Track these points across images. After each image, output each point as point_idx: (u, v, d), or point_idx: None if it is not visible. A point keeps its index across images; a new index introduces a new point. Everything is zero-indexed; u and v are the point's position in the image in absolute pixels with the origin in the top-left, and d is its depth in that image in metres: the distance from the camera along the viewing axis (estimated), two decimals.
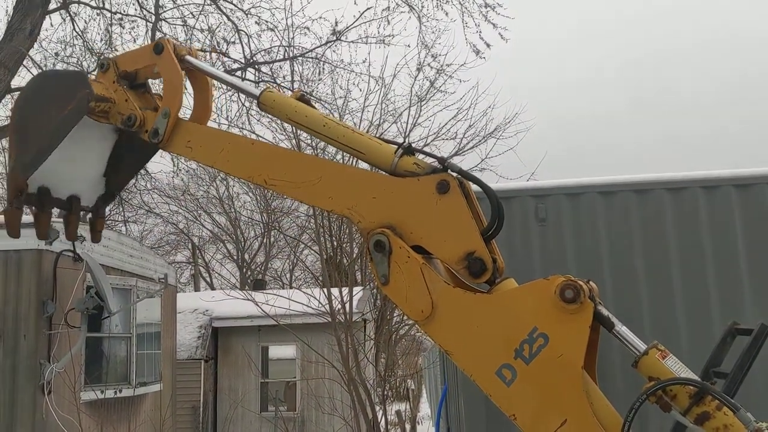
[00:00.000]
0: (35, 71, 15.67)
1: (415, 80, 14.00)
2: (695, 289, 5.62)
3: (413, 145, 2.70)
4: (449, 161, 2.52)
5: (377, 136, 13.59)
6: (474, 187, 2.57)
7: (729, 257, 5.72)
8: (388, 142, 2.74)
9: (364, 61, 18.55)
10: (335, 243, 14.80)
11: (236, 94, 16.15)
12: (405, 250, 2.45)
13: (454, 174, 2.48)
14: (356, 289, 12.59)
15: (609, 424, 2.15)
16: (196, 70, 3.10)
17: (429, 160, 2.61)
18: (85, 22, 16.05)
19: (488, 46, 13.93)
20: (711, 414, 2.07)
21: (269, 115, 2.90)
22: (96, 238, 3.44)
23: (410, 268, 2.43)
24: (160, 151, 3.19)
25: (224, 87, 16.41)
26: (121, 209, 19.48)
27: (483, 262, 2.36)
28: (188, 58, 3.04)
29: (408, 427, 13.87)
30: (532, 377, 2.22)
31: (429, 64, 14.33)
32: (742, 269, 5.69)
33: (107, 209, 3.55)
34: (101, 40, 16.40)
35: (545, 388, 2.21)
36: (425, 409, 23.16)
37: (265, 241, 33.41)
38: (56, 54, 16.50)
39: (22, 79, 14.74)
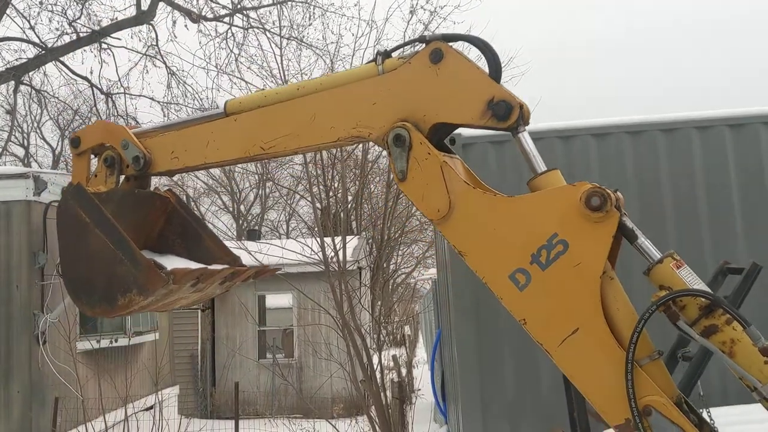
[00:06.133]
0: (19, 21, 15.34)
1: (408, 24, 13.73)
2: (688, 228, 5.63)
3: None
4: (428, 35, 2.42)
5: None
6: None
7: (722, 197, 5.70)
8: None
9: (355, 5, 18.22)
10: (329, 193, 14.69)
11: (224, 41, 15.87)
12: (425, 146, 2.35)
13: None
14: (351, 238, 12.58)
15: (628, 333, 2.08)
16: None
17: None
18: None
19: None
20: (719, 327, 2.03)
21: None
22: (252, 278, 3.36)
23: (429, 165, 2.34)
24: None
25: (212, 34, 16.13)
26: None
27: (507, 103, 2.26)
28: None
29: (404, 371, 14.08)
30: (546, 283, 2.16)
31: (422, 7, 14.05)
32: (734, 209, 5.68)
33: None
34: None
35: (559, 295, 2.15)
36: (421, 353, 23.51)
37: (260, 192, 33.33)
38: (40, 2, 16.12)
39: (6, 28, 14.45)
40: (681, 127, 5.83)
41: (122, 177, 2.99)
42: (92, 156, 3.06)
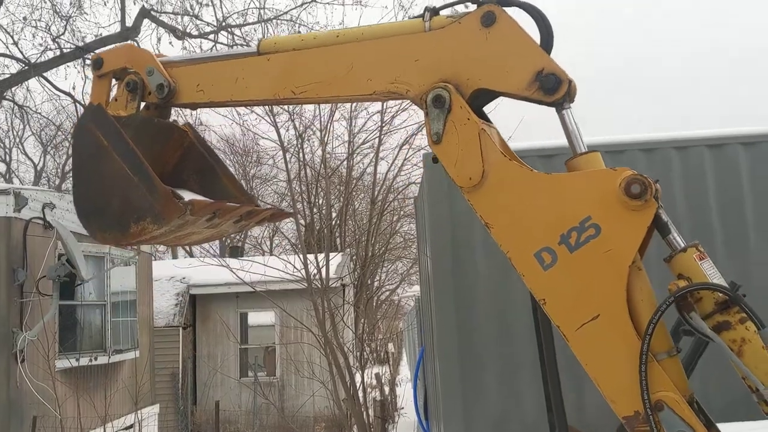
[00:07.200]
0: (2, 36, 15.23)
1: None
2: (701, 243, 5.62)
3: None
4: None
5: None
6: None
7: (735, 213, 5.73)
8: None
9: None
10: (313, 209, 14.69)
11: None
12: (465, 110, 2.27)
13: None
14: (334, 254, 12.56)
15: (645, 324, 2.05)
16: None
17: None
18: None
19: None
20: (732, 325, 2.00)
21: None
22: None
23: (467, 131, 2.27)
24: None
25: (197, 50, 16.14)
26: None
27: (556, 76, 2.20)
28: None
29: (387, 389, 14.01)
30: (572, 266, 2.11)
31: None
32: (748, 224, 5.71)
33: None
34: (70, 3, 15.98)
35: (584, 279, 2.10)
36: (405, 371, 23.41)
37: None
38: (24, 18, 16.08)
39: None
40: (694, 145, 5.84)
41: (142, 105, 2.87)
42: (113, 80, 2.93)
